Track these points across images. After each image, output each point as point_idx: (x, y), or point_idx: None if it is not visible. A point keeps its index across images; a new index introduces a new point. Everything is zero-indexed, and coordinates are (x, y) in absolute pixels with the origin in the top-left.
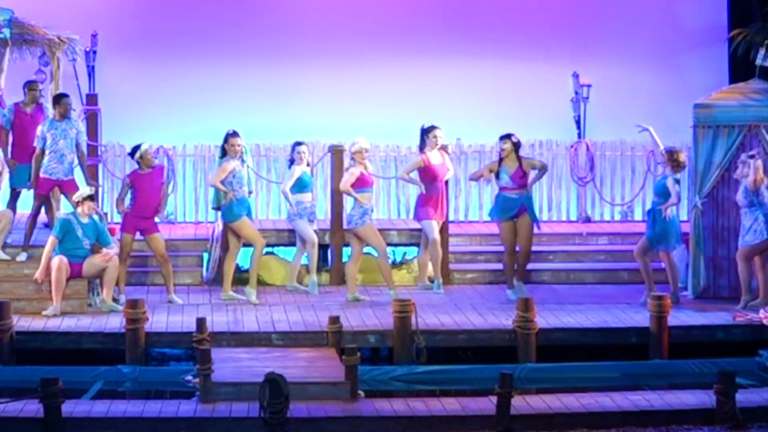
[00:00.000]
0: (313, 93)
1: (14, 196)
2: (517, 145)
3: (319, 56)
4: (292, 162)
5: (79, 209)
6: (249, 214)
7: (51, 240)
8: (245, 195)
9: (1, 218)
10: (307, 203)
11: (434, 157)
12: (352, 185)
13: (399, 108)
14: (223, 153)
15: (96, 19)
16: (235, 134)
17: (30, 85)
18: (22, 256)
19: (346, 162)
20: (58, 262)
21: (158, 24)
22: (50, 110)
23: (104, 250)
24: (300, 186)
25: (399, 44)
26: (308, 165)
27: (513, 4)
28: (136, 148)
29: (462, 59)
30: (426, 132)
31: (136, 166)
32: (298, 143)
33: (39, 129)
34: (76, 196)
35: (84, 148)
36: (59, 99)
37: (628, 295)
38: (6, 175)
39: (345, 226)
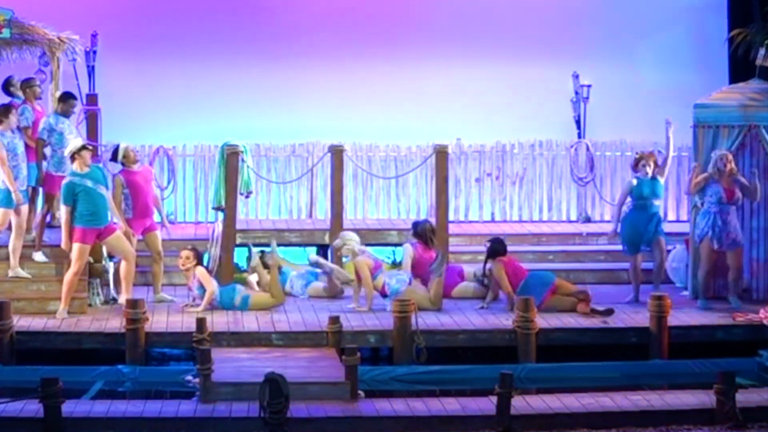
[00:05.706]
0: (313, 93)
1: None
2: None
3: (319, 56)
4: None
5: (75, 164)
6: None
7: (64, 209)
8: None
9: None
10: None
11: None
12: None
13: (399, 108)
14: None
15: (96, 19)
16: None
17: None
18: (39, 256)
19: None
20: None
21: (158, 24)
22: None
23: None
24: None
25: (399, 44)
26: None
27: (513, 4)
28: (116, 149)
29: (462, 59)
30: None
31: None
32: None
33: (44, 121)
34: (67, 151)
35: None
36: (66, 98)
37: (627, 295)
38: None
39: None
